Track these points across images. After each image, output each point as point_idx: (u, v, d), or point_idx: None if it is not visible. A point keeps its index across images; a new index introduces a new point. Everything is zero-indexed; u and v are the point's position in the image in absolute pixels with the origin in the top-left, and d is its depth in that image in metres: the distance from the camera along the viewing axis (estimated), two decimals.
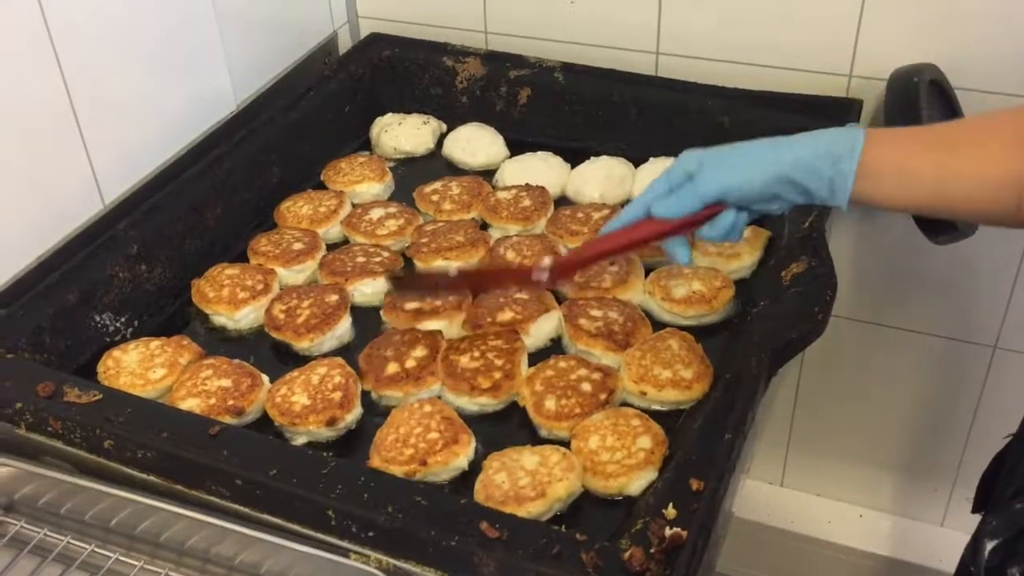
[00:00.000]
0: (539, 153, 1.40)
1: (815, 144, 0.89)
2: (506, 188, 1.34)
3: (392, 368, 1.04)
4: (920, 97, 1.23)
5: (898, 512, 1.76)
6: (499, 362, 1.04)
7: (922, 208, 0.90)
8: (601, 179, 1.34)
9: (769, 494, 1.83)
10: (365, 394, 1.04)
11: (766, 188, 0.91)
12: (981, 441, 1.62)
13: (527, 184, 1.33)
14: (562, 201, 1.35)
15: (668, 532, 0.79)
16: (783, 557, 1.80)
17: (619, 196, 1.33)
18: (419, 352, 1.06)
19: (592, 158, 1.38)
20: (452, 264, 1.18)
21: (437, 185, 1.35)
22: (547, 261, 1.01)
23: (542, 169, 1.37)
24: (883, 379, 1.64)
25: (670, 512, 0.81)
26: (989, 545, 0.97)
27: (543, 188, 1.32)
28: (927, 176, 0.86)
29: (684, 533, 0.79)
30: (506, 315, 1.10)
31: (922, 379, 1.62)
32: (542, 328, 1.10)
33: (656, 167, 1.36)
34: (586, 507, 0.94)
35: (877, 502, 1.77)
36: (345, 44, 1.60)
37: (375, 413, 1.04)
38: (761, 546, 1.78)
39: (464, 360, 1.04)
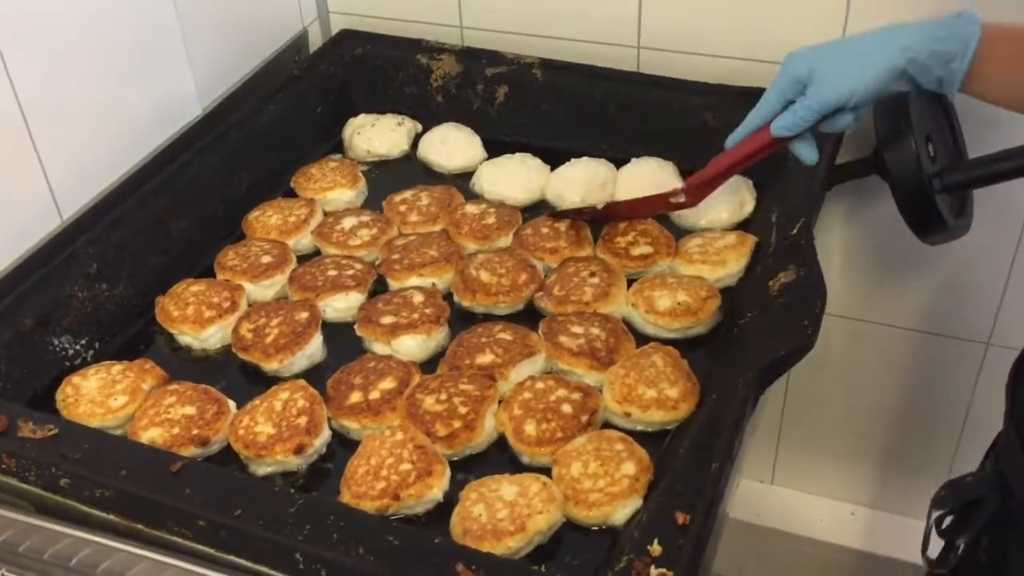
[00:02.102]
0: (517, 155, 1.35)
1: (929, 42, 0.91)
2: (477, 203, 1.28)
3: (355, 397, 0.99)
4: (909, 96, 1.19)
5: (891, 509, 1.74)
6: (463, 410, 0.96)
7: None
8: (582, 181, 1.29)
9: (760, 493, 1.80)
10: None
11: (880, 90, 0.95)
12: (974, 437, 1.59)
13: (500, 203, 1.28)
14: (543, 205, 1.30)
15: (654, 572, 0.75)
16: (775, 556, 1.78)
17: (601, 198, 1.28)
18: (387, 384, 1.00)
19: (573, 159, 1.33)
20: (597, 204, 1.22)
21: (407, 195, 1.30)
22: (681, 186, 1.15)
23: (520, 172, 1.32)
24: (875, 376, 1.61)
25: (655, 549, 0.78)
26: (934, 514, 0.99)
27: (513, 208, 1.27)
28: None
29: (670, 574, 0.75)
30: (486, 358, 1.03)
31: (914, 376, 1.59)
32: (522, 373, 1.02)
33: (638, 167, 1.31)
34: (568, 536, 0.90)
35: (870, 499, 1.75)
36: (315, 42, 1.54)
37: (343, 440, 0.99)
38: (752, 545, 1.76)
39: (429, 401, 0.98)
